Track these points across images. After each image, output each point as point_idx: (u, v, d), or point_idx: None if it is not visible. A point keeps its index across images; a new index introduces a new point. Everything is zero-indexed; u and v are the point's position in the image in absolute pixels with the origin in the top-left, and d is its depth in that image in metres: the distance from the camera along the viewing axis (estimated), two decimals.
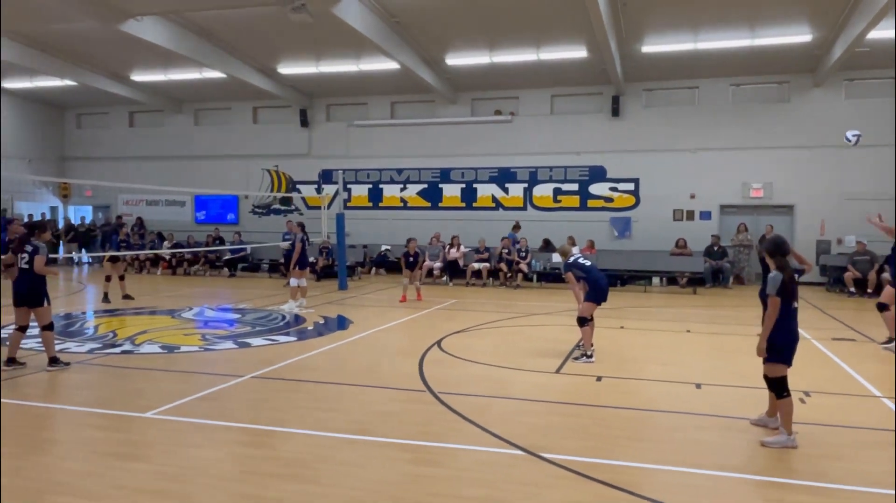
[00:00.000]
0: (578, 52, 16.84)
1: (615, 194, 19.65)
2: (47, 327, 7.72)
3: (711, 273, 17.36)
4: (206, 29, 16.65)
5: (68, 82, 20.71)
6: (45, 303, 7.64)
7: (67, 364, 7.70)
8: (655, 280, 17.61)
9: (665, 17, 14.70)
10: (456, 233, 19.08)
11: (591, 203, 19.79)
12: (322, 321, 11.40)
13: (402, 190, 21.30)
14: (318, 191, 21.69)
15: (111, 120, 24.32)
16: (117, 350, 8.87)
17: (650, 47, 16.30)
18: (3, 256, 7.66)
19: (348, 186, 21.28)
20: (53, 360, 7.69)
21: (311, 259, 18.36)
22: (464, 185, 20.81)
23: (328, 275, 18.41)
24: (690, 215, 19.08)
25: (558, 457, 5.01)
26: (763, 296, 5.46)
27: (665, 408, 6.29)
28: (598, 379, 7.45)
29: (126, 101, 22.50)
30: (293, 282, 13.01)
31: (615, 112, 19.43)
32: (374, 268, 20.12)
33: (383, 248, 20.38)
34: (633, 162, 19.45)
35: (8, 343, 8.06)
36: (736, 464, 4.98)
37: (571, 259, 8.50)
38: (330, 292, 15.28)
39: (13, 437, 5.45)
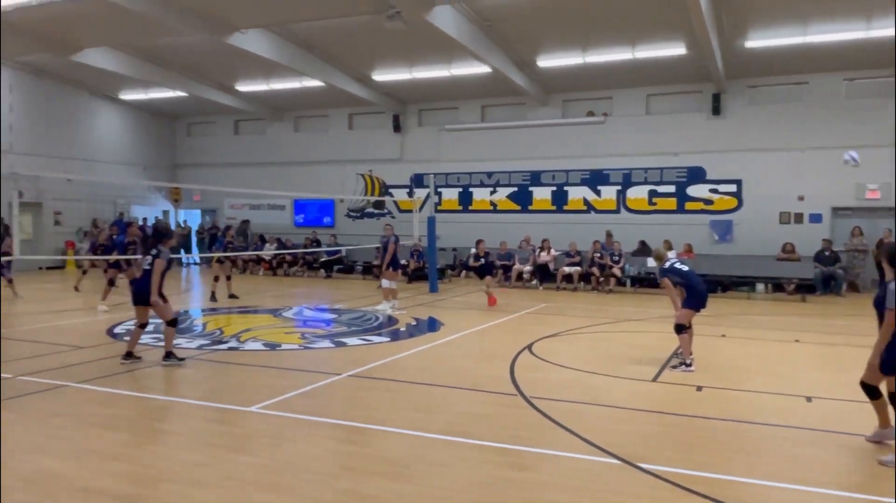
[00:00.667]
0: (677, 50, 16.26)
1: (715, 196, 18.81)
2: (171, 323, 8.13)
3: (822, 279, 16.26)
4: (306, 40, 17.30)
5: (179, 93, 22.07)
6: (162, 301, 8.10)
7: (182, 360, 8.08)
8: (759, 286, 16.69)
9: (771, 10, 13.93)
10: (546, 236, 18.84)
11: (689, 205, 19.03)
12: (414, 323, 11.55)
13: (492, 193, 21.27)
14: (410, 194, 22.00)
15: (218, 128, 25.69)
16: (224, 346, 9.30)
17: (754, 42, 15.50)
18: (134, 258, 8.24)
19: (439, 190, 21.46)
20: (168, 355, 8.12)
21: (403, 261, 18.63)
22: (554, 188, 20.53)
23: (419, 277, 18.63)
24: (799, 218, 17.96)
25: (657, 467, 4.82)
26: (878, 305, 5.06)
27: (772, 422, 5.93)
28: (699, 389, 7.13)
29: (231, 110, 23.71)
30: (385, 283, 13.26)
31: (716, 110, 18.60)
32: (464, 271, 20.15)
33: (472, 251, 20.37)
34: (735, 162, 18.54)
35: (128, 338, 8.66)
36: (850, 482, 4.62)
37: (667, 264, 8.18)
38: (421, 294, 15.46)
39: (132, 427, 5.83)
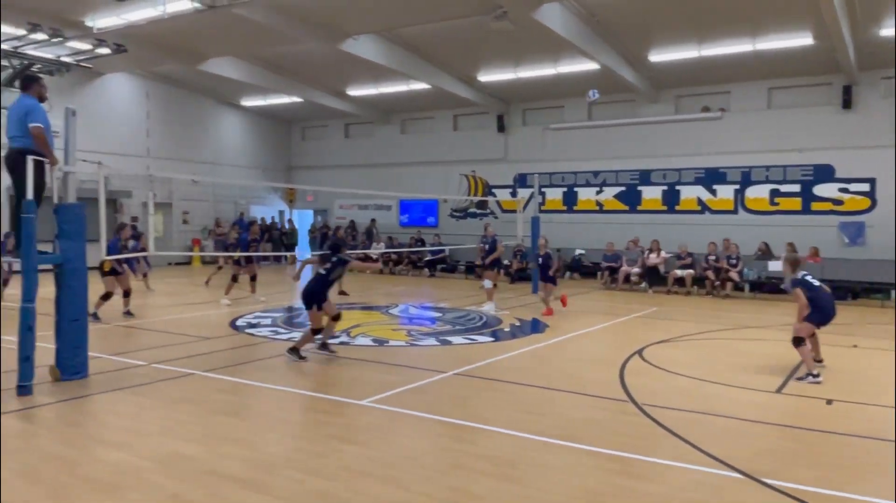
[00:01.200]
0: (803, 40, 15.18)
1: (845, 196, 17.41)
2: (315, 331, 8.32)
3: None
4: (413, 43, 17.61)
5: (295, 99, 23.11)
6: (316, 309, 8.26)
7: (304, 358, 8.25)
8: (895, 293, 15.26)
9: None
10: (656, 237, 18.14)
11: (815, 206, 17.72)
12: (517, 323, 11.49)
13: (598, 192, 20.79)
14: (513, 194, 21.89)
15: (329, 132, 26.68)
16: (335, 341, 9.56)
17: (890, 30, 14.19)
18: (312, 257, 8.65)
19: (543, 190, 21.21)
20: (294, 350, 8.29)
21: (505, 262, 18.58)
22: (665, 187, 19.75)
23: (521, 278, 18.49)
24: None
25: (785, 484, 4.48)
26: None
27: None
28: (829, 402, 6.59)
29: (342, 114, 24.55)
30: (487, 283, 13.25)
31: (846, 104, 17.21)
32: (567, 272, 19.83)
33: (577, 252, 20.02)
34: (868, 159, 17.07)
35: (251, 331, 9.10)
36: None
37: (800, 275, 7.66)
38: (524, 295, 15.33)
39: (253, 415, 6.12)
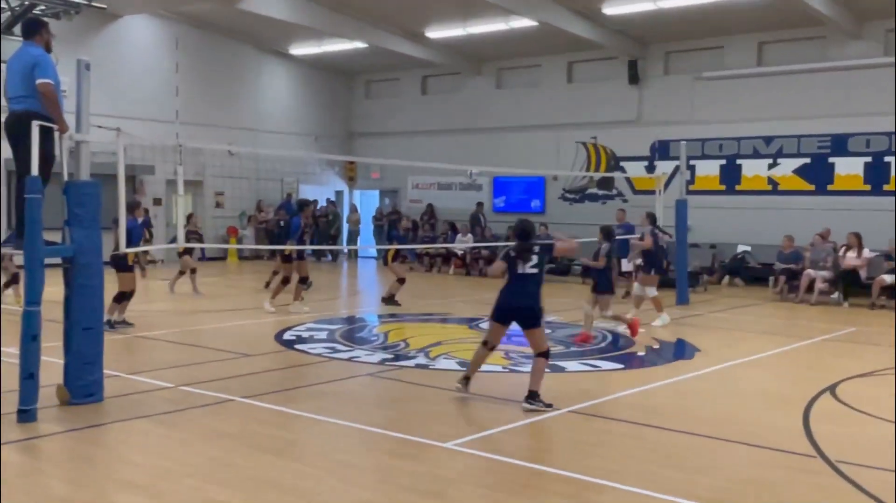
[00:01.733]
0: None
1: None
2: (542, 354, 7.80)
3: None
4: None
5: (358, 45, 23.57)
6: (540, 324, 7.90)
7: (549, 405, 7.59)
8: None
9: None
10: (856, 228, 17.31)
11: None
12: (656, 345, 11.36)
13: (770, 167, 20.26)
14: (650, 169, 21.52)
15: (402, 87, 27.08)
16: (410, 363, 9.75)
17: None
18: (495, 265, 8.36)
19: (692, 163, 20.69)
20: (533, 395, 7.57)
21: (638, 261, 18.22)
22: (869, 159, 18.95)
23: (662, 283, 18.11)
24: None
25: None
26: None
27: None
28: None
29: (419, 63, 24.83)
30: (648, 291, 13.04)
31: None
32: (726, 277, 19.30)
33: (740, 249, 19.47)
34: None
35: (302, 348, 9.36)
36: None
37: None
38: (666, 307, 15.01)
39: (308, 455, 6.27)
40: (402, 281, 14.96)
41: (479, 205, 24.26)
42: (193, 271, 16.00)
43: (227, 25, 23.53)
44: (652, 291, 13.13)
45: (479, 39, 22.58)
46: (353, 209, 27.20)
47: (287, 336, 11.51)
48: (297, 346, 10.74)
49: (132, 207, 12.15)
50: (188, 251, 15.72)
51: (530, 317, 7.72)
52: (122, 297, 11.71)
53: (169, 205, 23.00)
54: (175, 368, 9.22)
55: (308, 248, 13.97)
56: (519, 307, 7.77)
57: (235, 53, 24.87)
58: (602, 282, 11.70)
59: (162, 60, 23.06)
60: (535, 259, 7.77)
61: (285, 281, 14.00)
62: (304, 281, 14.05)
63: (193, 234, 16.96)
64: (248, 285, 17.04)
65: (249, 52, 25.24)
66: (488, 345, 8.11)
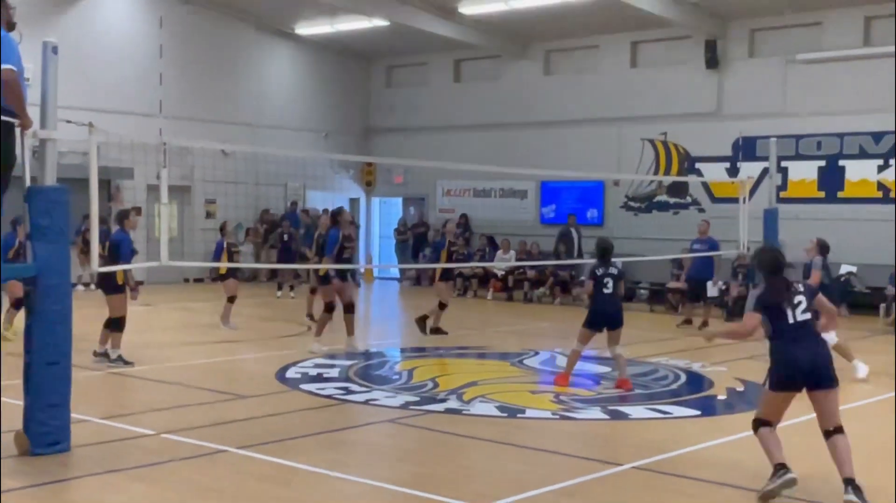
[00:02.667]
0: None
1: None
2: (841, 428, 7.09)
3: None
4: None
5: (378, 23, 23.68)
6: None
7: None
8: None
9: None
10: None
11: None
12: (740, 388, 11.26)
13: (880, 169, 20.14)
14: (732, 172, 21.39)
15: (431, 73, 27.22)
16: (440, 407, 9.73)
17: None
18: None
19: (784, 165, 20.55)
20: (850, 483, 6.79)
21: (721, 284, 18.07)
22: None
23: (742, 310, 17.96)
24: None
25: None
26: None
27: None
28: None
29: (451, 44, 24.89)
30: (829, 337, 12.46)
31: None
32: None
33: (844, 269, 19.25)
34: None
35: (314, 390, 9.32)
36: None
37: None
38: (753, 340, 14.86)
39: None
40: (443, 306, 14.94)
41: (571, 216, 23.20)
42: (231, 299, 15.79)
43: (220, 0, 23.75)
44: (832, 338, 12.35)
45: (524, 15, 22.59)
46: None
47: (291, 374, 11.50)
48: (302, 386, 10.73)
49: (123, 217, 12.33)
50: (232, 273, 15.73)
51: (830, 375, 6.93)
52: (115, 325, 11.78)
53: (151, 215, 23.16)
54: (157, 412, 9.22)
55: (348, 266, 13.78)
56: (818, 364, 6.91)
57: (231, 34, 25.08)
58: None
59: (143, 43, 23.30)
60: (804, 301, 7.04)
61: (329, 308, 13.42)
62: (348, 308, 13.59)
63: (234, 249, 16.45)
64: (245, 311, 17.09)
65: (248, 32, 25.44)
66: (773, 425, 7.18)
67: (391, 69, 28.26)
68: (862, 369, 12.15)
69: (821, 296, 7.31)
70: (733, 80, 21.95)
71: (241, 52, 25.41)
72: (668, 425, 9.21)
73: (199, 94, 24.21)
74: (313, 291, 16.85)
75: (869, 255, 19.12)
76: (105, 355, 11.80)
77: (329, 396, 10.19)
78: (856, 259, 19.45)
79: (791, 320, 6.93)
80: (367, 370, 12.02)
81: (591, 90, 23.90)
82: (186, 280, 24.02)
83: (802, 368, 6.85)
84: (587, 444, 8.42)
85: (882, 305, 17.67)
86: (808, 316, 6.98)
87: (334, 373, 11.60)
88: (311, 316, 16.67)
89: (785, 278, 7.08)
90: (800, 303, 6.96)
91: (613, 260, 11.28)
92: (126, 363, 11.72)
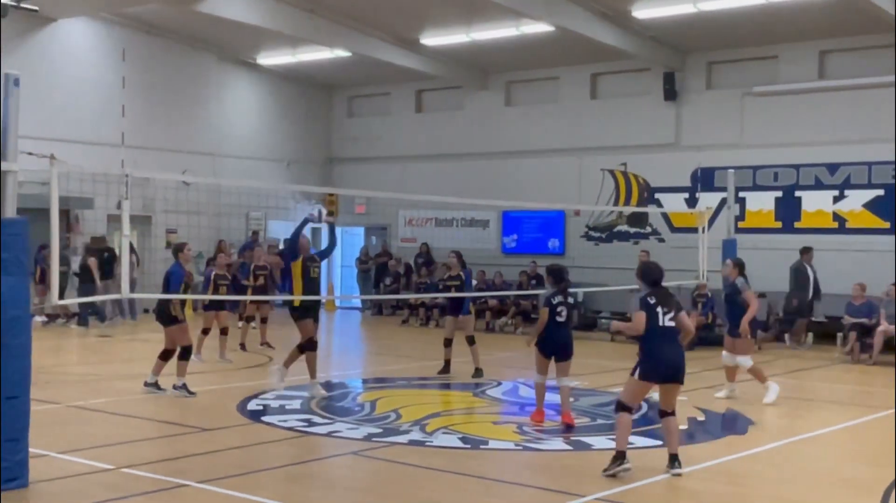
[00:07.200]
0: None
1: None
2: (674, 412, 8.56)
3: None
4: None
5: (340, 53, 23.73)
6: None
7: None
8: None
9: None
10: None
11: None
12: (701, 417, 11.32)
13: (836, 200, 20.36)
14: (691, 203, 21.60)
15: (393, 103, 27.31)
16: (403, 439, 9.71)
17: None
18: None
19: (742, 195, 20.80)
20: (674, 459, 8.38)
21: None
22: None
23: (705, 341, 18.08)
24: None
25: None
26: None
27: None
28: None
29: (413, 75, 25.03)
30: (743, 360, 12.32)
31: None
32: (806, 335, 19.14)
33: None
34: None
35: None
36: None
37: None
38: (712, 369, 14.97)
39: None
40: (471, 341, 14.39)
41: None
42: (224, 331, 15.35)
43: (183, 31, 23.73)
44: (747, 361, 12.44)
45: (485, 47, 22.77)
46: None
47: (253, 405, 11.43)
48: (264, 419, 10.67)
49: (177, 250, 12.48)
50: (219, 304, 15.21)
51: (684, 373, 8.41)
52: (183, 355, 12.12)
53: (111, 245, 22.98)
54: (117, 446, 9.14)
55: (319, 297, 13.46)
56: (678, 364, 8.34)
57: (193, 64, 25.05)
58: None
59: (105, 73, 23.19)
60: (672, 312, 8.34)
61: (309, 345, 12.41)
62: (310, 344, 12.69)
63: (223, 279, 15.24)
64: (205, 342, 16.97)
65: (210, 62, 25.43)
66: (631, 411, 8.56)
67: (353, 99, 28.33)
68: (773, 391, 12.16)
69: (682, 315, 8.48)
70: (691, 111, 22.21)
71: (204, 82, 25.38)
72: (631, 455, 9.20)
73: (161, 124, 24.11)
74: (263, 320, 17.21)
75: (826, 285, 19.29)
76: (155, 385, 12.04)
77: (291, 428, 10.13)
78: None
79: (661, 323, 8.27)
80: (329, 402, 11.94)
81: (552, 121, 24.09)
82: (146, 311, 23.74)
83: (666, 365, 8.27)
84: (550, 476, 8.41)
85: (839, 335, 17.79)
86: (672, 324, 8.32)
87: (296, 404, 11.52)
88: (266, 344, 16.84)
89: (664, 288, 8.55)
90: (668, 311, 8.31)
91: (571, 290, 11.28)
92: (190, 393, 11.89)
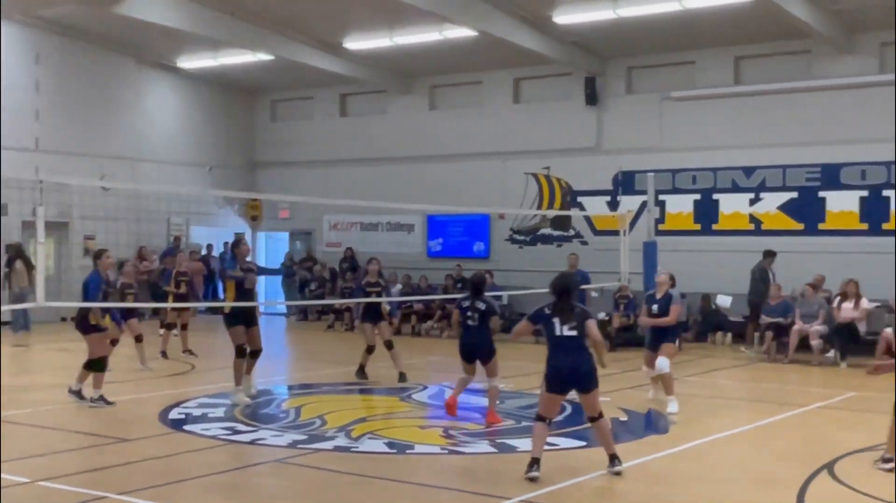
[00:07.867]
0: None
1: None
2: (600, 416, 8.56)
3: None
4: None
5: (262, 57, 23.55)
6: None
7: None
8: None
9: None
10: (852, 273, 17.76)
11: None
12: (624, 418, 11.41)
13: (752, 202, 20.74)
14: (613, 206, 21.87)
15: (316, 107, 27.18)
16: (328, 445, 9.64)
17: None
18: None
19: (661, 198, 21.09)
20: (613, 458, 8.49)
21: (603, 315, 18.44)
22: (865, 193, 19.53)
23: (626, 342, 18.33)
24: None
25: None
26: None
27: None
28: None
29: (337, 79, 24.94)
30: (662, 364, 11.89)
31: None
32: (710, 334, 19.54)
33: (719, 300, 19.75)
34: None
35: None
36: None
37: None
38: (631, 371, 15.17)
39: None
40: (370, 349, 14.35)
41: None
42: (139, 339, 15.01)
43: (99, 34, 23.28)
44: (666, 365, 12.00)
45: (409, 51, 22.76)
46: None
47: (174, 414, 11.27)
48: (186, 427, 10.53)
49: (96, 257, 12.19)
50: (131, 312, 14.77)
51: (590, 380, 8.40)
52: (95, 366, 11.76)
53: (25, 251, 22.42)
54: (33, 458, 8.92)
55: (266, 303, 13.56)
56: (579, 372, 8.39)
57: (111, 67, 24.60)
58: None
59: (18, 77, 22.59)
60: (575, 321, 8.45)
61: (246, 352, 12.30)
62: (253, 354, 12.63)
63: (129, 288, 14.84)
64: (121, 351, 16.64)
65: (128, 65, 25.00)
66: (547, 421, 8.52)
67: (276, 103, 28.11)
68: (672, 407, 11.82)
69: (590, 324, 8.61)
70: (612, 116, 22.49)
71: (122, 85, 24.95)
72: (555, 457, 9.26)
73: (77, 128, 23.65)
74: (184, 327, 17.05)
75: (743, 286, 19.56)
76: (78, 393, 11.83)
77: (213, 437, 10.01)
78: (731, 289, 19.89)
79: (559, 333, 8.44)
80: (252, 409, 11.80)
81: (476, 125, 24.17)
82: (63, 319, 23.22)
83: (563, 374, 8.41)
84: (475, 479, 8.42)
85: (756, 334, 18.11)
86: (574, 332, 8.43)
87: (219, 412, 11.37)
88: (188, 351, 16.70)
89: (566, 299, 8.62)
90: (569, 320, 8.43)
91: (486, 295, 11.59)
92: (108, 403, 11.62)
